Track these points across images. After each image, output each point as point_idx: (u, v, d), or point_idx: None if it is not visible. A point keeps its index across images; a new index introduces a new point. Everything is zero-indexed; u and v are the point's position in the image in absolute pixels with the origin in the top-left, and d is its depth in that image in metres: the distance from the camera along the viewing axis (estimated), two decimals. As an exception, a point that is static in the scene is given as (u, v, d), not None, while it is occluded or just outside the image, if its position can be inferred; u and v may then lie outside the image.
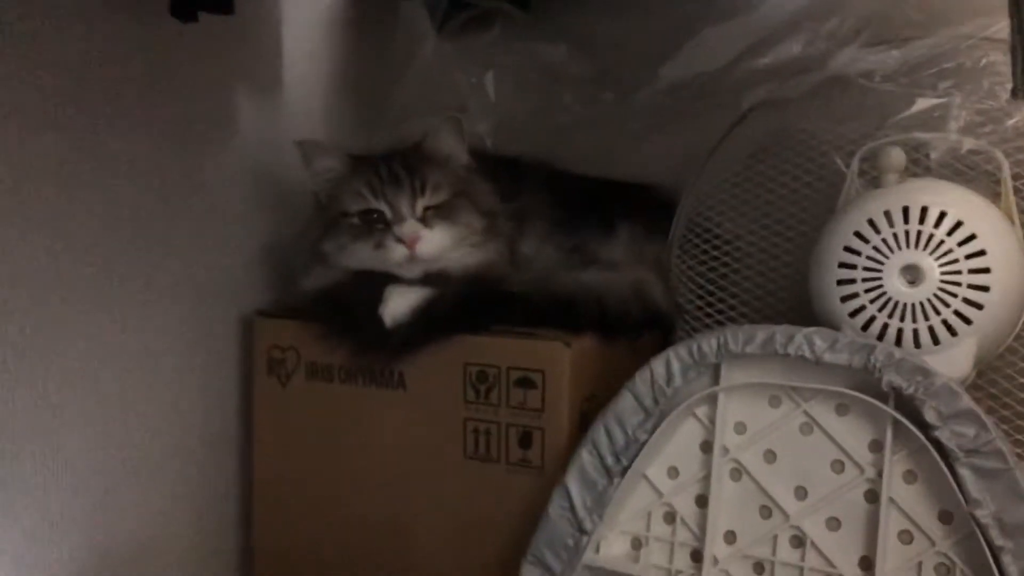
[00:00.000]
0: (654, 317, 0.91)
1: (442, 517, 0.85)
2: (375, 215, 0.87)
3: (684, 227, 0.94)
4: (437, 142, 0.91)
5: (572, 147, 1.06)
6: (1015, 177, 0.76)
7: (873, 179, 0.78)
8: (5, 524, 0.74)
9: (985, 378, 0.78)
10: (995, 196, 0.76)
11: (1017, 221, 0.75)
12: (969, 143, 0.76)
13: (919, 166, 0.80)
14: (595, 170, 1.03)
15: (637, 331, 0.89)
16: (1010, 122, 0.74)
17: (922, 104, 0.79)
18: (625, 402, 0.75)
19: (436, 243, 0.86)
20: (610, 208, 0.98)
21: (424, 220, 0.86)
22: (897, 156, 0.75)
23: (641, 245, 0.96)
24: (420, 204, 0.87)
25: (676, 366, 0.73)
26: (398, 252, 0.85)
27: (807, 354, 0.68)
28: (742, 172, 0.91)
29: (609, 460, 0.75)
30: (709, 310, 0.92)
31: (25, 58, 0.73)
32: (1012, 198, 0.75)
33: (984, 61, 0.76)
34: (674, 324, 0.93)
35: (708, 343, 0.72)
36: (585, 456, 0.76)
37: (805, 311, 0.79)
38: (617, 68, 1.05)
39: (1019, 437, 0.77)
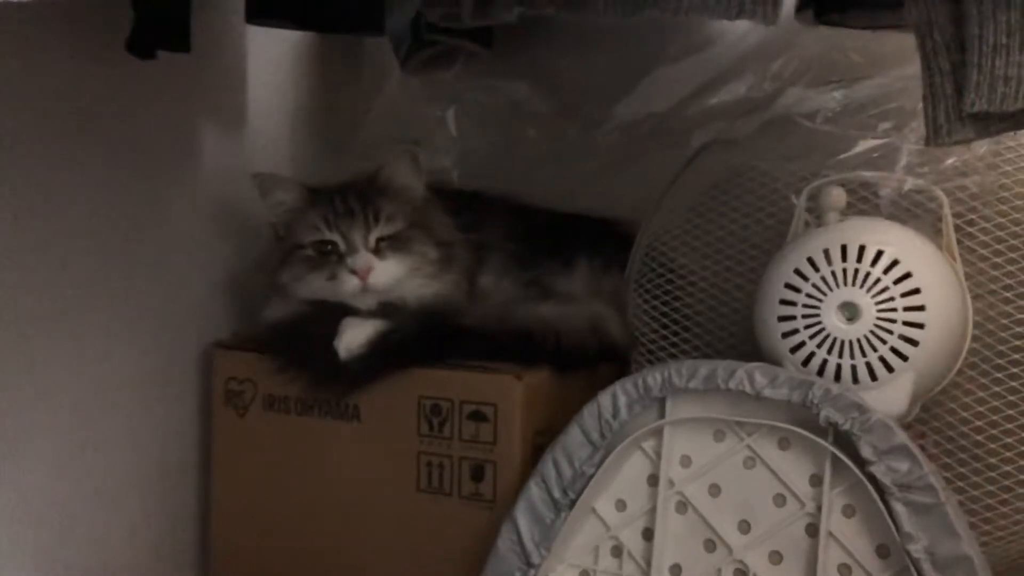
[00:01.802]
0: (610, 350, 0.92)
1: (395, 549, 0.86)
2: (329, 246, 0.88)
3: (641, 261, 0.96)
4: (393, 174, 0.92)
5: (535, 181, 1.07)
6: (956, 215, 0.78)
7: (819, 216, 0.80)
8: (-46, 556, 0.74)
9: (930, 412, 0.79)
10: (938, 234, 0.78)
11: (958, 258, 0.77)
12: (911, 182, 0.78)
13: (868, 204, 0.82)
14: (557, 204, 1.05)
15: (593, 364, 0.90)
16: (948, 161, 0.76)
17: (866, 144, 0.81)
18: (573, 435, 0.76)
19: (389, 274, 0.87)
20: (569, 242, 0.99)
21: (377, 251, 0.87)
22: (838, 195, 0.76)
23: (599, 279, 0.97)
24: (373, 235, 0.88)
25: (622, 400, 0.74)
26: (351, 283, 0.86)
27: (748, 389, 0.70)
28: (696, 208, 0.93)
29: (557, 493, 0.75)
30: (664, 343, 0.93)
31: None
32: (953, 235, 0.77)
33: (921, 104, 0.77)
34: (630, 357, 0.94)
35: (653, 377, 0.73)
36: (534, 489, 0.76)
37: (756, 344, 0.81)
38: (578, 105, 1.07)
39: (961, 471, 0.78)
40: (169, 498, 0.95)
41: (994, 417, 0.78)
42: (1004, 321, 0.77)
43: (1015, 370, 0.77)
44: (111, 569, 0.89)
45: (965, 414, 0.78)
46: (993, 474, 0.78)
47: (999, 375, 0.77)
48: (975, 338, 0.78)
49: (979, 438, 0.78)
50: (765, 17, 0.53)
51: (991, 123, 0.48)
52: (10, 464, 0.77)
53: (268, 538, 0.92)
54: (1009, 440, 0.77)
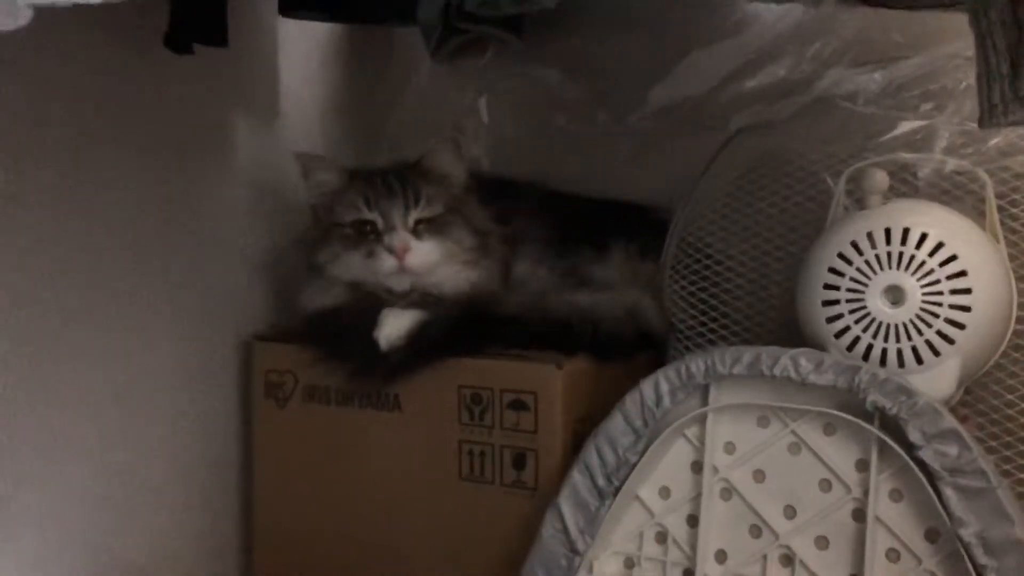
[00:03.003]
0: (648, 338, 0.92)
1: (437, 538, 0.86)
2: (368, 226, 0.88)
3: (676, 247, 0.95)
4: (435, 160, 0.92)
5: (567, 169, 1.07)
6: (999, 196, 0.77)
7: (859, 199, 0.79)
8: (6, 549, 0.75)
9: (973, 395, 0.79)
10: (981, 216, 0.77)
11: (1002, 240, 0.76)
12: (953, 163, 0.77)
13: (908, 186, 0.81)
14: (590, 191, 1.05)
15: (631, 352, 0.90)
16: (992, 142, 0.75)
17: (907, 125, 0.80)
18: (616, 423, 0.76)
19: (426, 255, 0.87)
20: (604, 229, 0.99)
21: (415, 232, 0.88)
22: (880, 178, 0.75)
23: (635, 266, 0.97)
24: (412, 216, 0.88)
25: (665, 387, 0.74)
26: (388, 262, 0.86)
27: (793, 375, 0.69)
28: (732, 192, 0.92)
29: (601, 481, 0.75)
30: (702, 330, 0.92)
31: (23, 85, 0.74)
32: (996, 217, 0.76)
33: (965, 83, 0.76)
34: (668, 345, 0.94)
35: (696, 364, 0.73)
36: (577, 477, 0.76)
37: (797, 330, 0.80)
38: (610, 91, 1.06)
39: (1007, 453, 0.78)
40: (212, 489, 0.96)
41: (1037, 399, 0.77)
42: (1048, 303, 0.76)
43: (1060, 352, 0.76)
44: (156, 559, 0.90)
45: (1010, 396, 0.78)
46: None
47: (1043, 357, 0.77)
48: (1019, 320, 0.77)
49: (1023, 420, 0.77)
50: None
51: (1048, 103, 0.47)
52: (54, 459, 0.79)
53: (310, 528, 0.93)
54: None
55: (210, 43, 0.79)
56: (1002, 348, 0.77)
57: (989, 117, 0.49)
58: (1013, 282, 0.76)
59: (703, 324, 0.92)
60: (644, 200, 1.03)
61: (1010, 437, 0.78)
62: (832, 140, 0.83)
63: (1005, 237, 0.77)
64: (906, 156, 0.79)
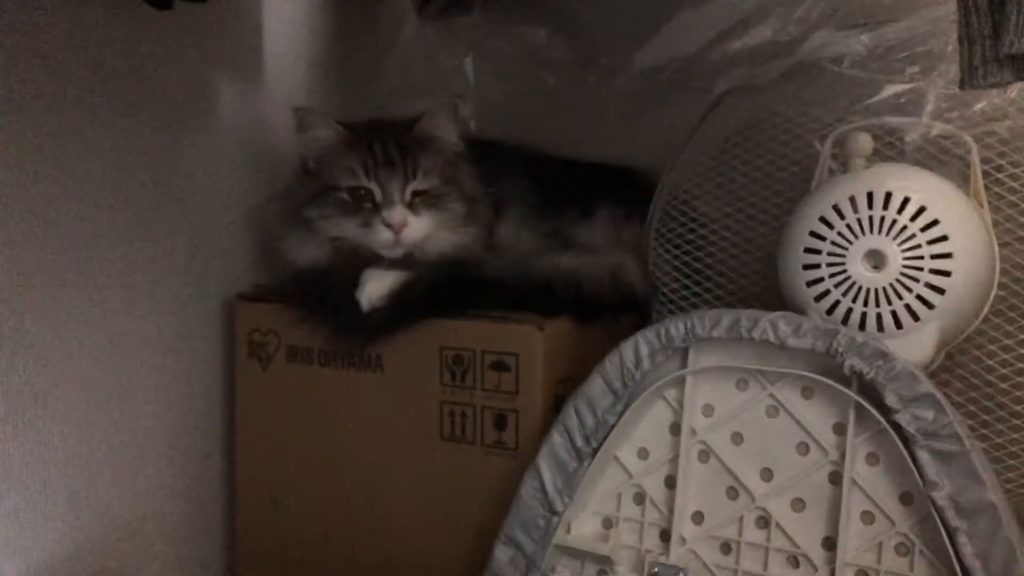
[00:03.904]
0: (631, 300, 0.92)
1: (419, 497, 0.87)
2: (364, 192, 0.87)
3: (662, 210, 0.95)
4: (432, 125, 0.91)
5: (554, 130, 1.06)
6: (984, 161, 0.77)
7: (843, 163, 0.79)
8: (-12, 507, 0.75)
9: (955, 359, 0.79)
10: (966, 180, 0.77)
11: (986, 205, 0.76)
12: (939, 128, 0.77)
13: (894, 150, 0.81)
14: (577, 153, 1.04)
15: (614, 314, 0.90)
16: (977, 106, 0.75)
17: (893, 88, 0.80)
18: (595, 385, 0.76)
19: (421, 229, 0.87)
20: (589, 192, 0.98)
21: (411, 206, 0.87)
22: (864, 141, 0.75)
23: (620, 228, 0.97)
24: (410, 188, 0.87)
25: (644, 350, 0.74)
26: (384, 235, 0.86)
27: (772, 338, 0.69)
28: (719, 155, 0.92)
29: (579, 442, 0.76)
30: (686, 293, 0.93)
31: (6, 48, 0.73)
32: (981, 182, 0.76)
33: (952, 46, 0.76)
34: (651, 307, 0.94)
35: (676, 327, 0.73)
36: (556, 438, 0.77)
37: (780, 293, 0.80)
38: (598, 51, 1.05)
39: (986, 418, 0.78)
40: (196, 448, 0.96)
41: (1020, 364, 0.77)
42: (1031, 268, 0.76)
43: (1041, 318, 0.77)
44: (141, 516, 0.90)
45: (990, 362, 0.78)
46: (1018, 421, 0.78)
47: (1024, 322, 0.77)
48: (1002, 285, 0.77)
49: (1004, 385, 0.77)
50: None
51: (1029, 65, 0.47)
52: (37, 416, 0.78)
53: (294, 487, 0.93)
54: (1033, 387, 0.77)
55: (189, -1, 0.78)
56: (984, 313, 0.77)
57: (970, 79, 0.49)
58: (996, 247, 0.76)
59: (687, 287, 0.92)
60: (631, 162, 1.03)
61: (989, 402, 0.79)
62: (819, 103, 0.83)
63: (989, 203, 0.77)
64: (892, 120, 0.79)
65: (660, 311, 0.94)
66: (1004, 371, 0.77)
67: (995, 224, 0.77)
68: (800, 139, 0.85)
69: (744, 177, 0.89)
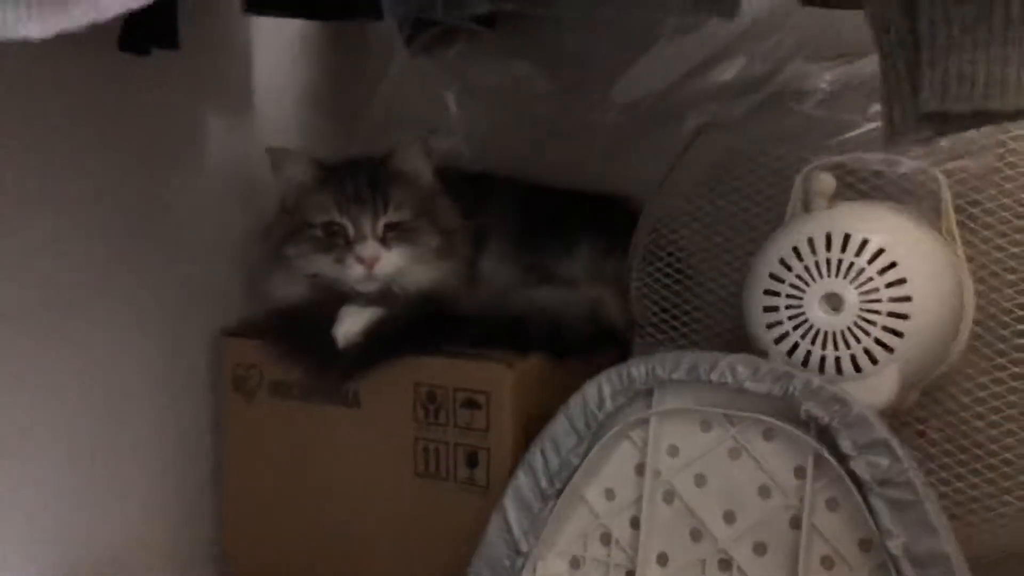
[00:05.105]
0: (610, 335, 0.92)
1: (395, 532, 0.88)
2: (337, 228, 0.89)
3: (644, 245, 0.95)
4: (403, 160, 0.92)
5: (539, 161, 1.07)
6: (957, 196, 0.76)
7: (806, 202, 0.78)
8: (-28, 542, 0.77)
9: (931, 396, 0.78)
10: (939, 216, 0.76)
11: (959, 240, 0.75)
12: (908, 164, 0.76)
13: (867, 184, 0.80)
14: (562, 183, 1.04)
15: (591, 349, 0.90)
16: (943, 143, 0.73)
17: (866, 125, 0.79)
18: (560, 425, 0.76)
19: (394, 264, 0.89)
20: (572, 223, 0.99)
21: (384, 240, 0.88)
22: (825, 180, 0.74)
23: (601, 261, 0.97)
24: (381, 222, 0.88)
25: (607, 390, 0.74)
26: (357, 270, 0.87)
27: (730, 381, 0.69)
28: (698, 189, 0.91)
29: (544, 483, 0.76)
30: (666, 327, 0.92)
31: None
32: (952, 217, 0.75)
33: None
34: (631, 342, 0.94)
35: (638, 369, 0.73)
36: (522, 478, 0.77)
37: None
38: (581, 83, 1.05)
39: (962, 457, 0.77)
40: (183, 480, 0.98)
41: (996, 403, 0.76)
42: (1007, 304, 0.75)
43: (1019, 354, 0.75)
44: (128, 547, 0.92)
45: (966, 399, 0.77)
46: (994, 460, 0.76)
47: (1002, 360, 0.76)
48: (977, 322, 0.76)
49: (981, 424, 0.76)
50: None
51: (949, 122, 0.46)
52: (24, 455, 0.80)
53: (278, 520, 0.94)
54: (1011, 426, 0.75)
55: (163, 46, 0.79)
56: (958, 350, 0.76)
57: (892, 135, 0.48)
58: (970, 284, 0.75)
59: (665, 322, 0.92)
60: (615, 192, 1.02)
61: (966, 441, 0.77)
62: (790, 139, 0.82)
63: (963, 238, 0.75)
64: (863, 156, 0.78)
65: (641, 345, 0.94)
66: (980, 409, 0.76)
67: (969, 259, 0.76)
68: (775, 175, 0.84)
69: (721, 211, 0.89)
